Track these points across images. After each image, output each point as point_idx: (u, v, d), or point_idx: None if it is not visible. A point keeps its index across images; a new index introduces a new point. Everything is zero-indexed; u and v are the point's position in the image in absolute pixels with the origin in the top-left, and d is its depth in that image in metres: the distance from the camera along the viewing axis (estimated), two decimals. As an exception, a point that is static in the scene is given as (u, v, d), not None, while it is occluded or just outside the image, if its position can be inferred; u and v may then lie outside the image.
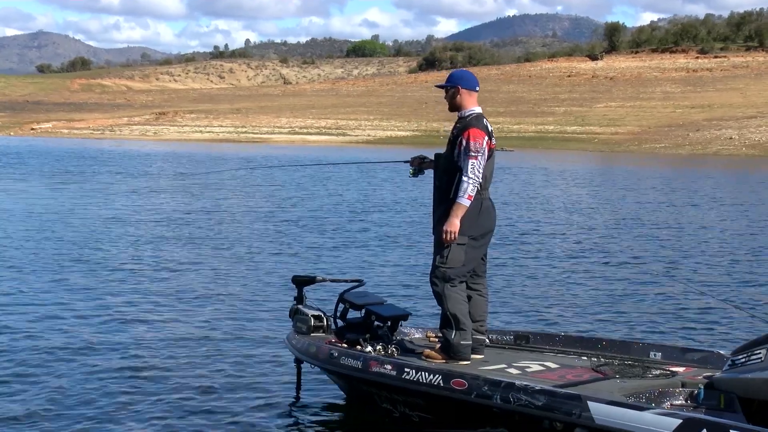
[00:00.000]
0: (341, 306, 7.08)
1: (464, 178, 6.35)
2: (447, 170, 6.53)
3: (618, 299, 11.34)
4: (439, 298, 6.53)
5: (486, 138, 6.45)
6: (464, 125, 6.50)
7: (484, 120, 6.56)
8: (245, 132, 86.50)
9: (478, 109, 6.60)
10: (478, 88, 6.68)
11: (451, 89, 6.63)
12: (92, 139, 77.58)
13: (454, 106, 6.64)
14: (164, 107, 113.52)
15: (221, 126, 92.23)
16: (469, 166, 6.35)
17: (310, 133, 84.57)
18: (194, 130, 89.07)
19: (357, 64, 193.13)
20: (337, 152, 59.99)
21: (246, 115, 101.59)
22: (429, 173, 6.99)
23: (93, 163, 40.28)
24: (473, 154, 6.35)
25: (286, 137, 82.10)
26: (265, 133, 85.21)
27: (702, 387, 5.72)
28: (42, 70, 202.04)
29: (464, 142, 6.39)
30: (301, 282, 7.38)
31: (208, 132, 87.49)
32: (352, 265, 13.65)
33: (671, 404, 5.70)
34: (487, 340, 6.96)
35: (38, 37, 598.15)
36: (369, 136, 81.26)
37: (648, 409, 5.19)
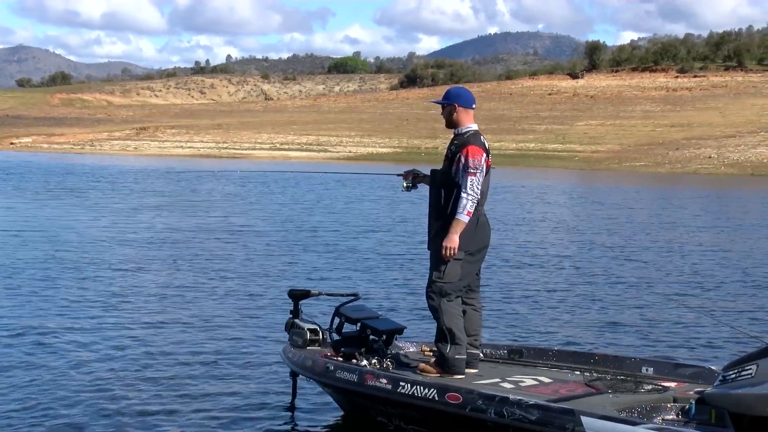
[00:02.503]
0: (337, 320, 7.12)
1: (463, 195, 6.40)
2: (444, 186, 6.57)
3: (610, 315, 11.41)
4: (435, 312, 6.57)
5: (484, 155, 6.53)
6: (462, 142, 6.56)
7: (482, 137, 6.63)
8: (226, 148, 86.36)
9: (474, 126, 6.67)
10: (474, 106, 6.75)
11: (448, 106, 6.70)
12: (72, 154, 77.29)
13: (451, 123, 6.70)
14: (145, 122, 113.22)
15: (202, 141, 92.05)
16: (468, 183, 6.41)
17: (292, 149, 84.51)
18: (175, 146, 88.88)
19: (338, 80, 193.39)
20: (321, 168, 59.91)
21: (227, 130, 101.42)
22: (422, 188, 7.05)
23: (85, 180, 40.12)
24: (472, 170, 6.41)
25: (267, 153, 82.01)
26: (246, 149, 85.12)
27: (693, 402, 5.78)
28: (22, 84, 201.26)
29: (463, 159, 6.45)
30: (297, 296, 7.41)
31: (189, 147, 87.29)
32: (348, 279, 13.69)
33: (663, 419, 5.75)
34: (481, 355, 7.00)
35: (18, 51, 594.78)
36: (350, 152, 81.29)
37: (640, 423, 5.23)
